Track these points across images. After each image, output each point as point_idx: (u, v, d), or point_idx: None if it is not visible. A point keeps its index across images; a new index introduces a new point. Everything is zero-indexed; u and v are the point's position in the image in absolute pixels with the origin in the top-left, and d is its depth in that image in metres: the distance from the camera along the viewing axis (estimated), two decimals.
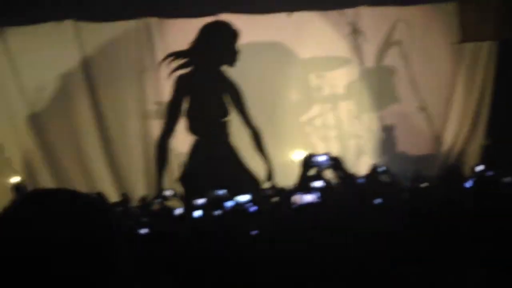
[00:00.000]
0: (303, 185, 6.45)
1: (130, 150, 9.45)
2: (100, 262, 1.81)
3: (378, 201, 5.88)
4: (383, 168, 7.78)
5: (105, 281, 1.81)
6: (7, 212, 1.83)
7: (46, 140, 9.28)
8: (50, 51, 9.22)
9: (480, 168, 8.07)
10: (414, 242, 4.11)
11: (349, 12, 9.78)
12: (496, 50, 9.99)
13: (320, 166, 6.66)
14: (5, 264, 1.77)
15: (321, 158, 6.69)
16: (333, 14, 9.78)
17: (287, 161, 9.24)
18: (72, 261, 1.78)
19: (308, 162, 6.73)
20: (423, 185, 7.30)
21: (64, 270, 1.77)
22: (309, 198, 5.64)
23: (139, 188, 9.26)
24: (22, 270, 1.76)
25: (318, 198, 5.71)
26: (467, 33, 9.90)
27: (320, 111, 9.96)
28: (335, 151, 9.48)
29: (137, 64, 9.50)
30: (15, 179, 9.00)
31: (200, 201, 6.52)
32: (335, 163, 6.83)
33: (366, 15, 9.79)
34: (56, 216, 1.80)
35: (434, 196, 6.80)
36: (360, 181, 7.27)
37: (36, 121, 9.28)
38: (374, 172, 7.75)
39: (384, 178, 7.66)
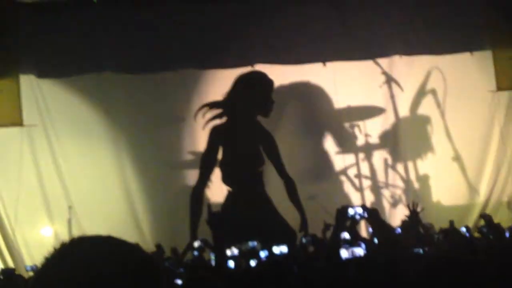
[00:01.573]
0: (338, 237, 6.42)
1: (164, 199, 9.46)
2: None
3: (417, 250, 5.83)
4: (420, 215, 7.71)
5: None
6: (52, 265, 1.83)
7: (79, 187, 9.32)
8: (88, 102, 9.35)
9: None
10: None
11: (383, 61, 9.79)
12: None
13: (355, 218, 6.64)
14: None
15: (356, 210, 6.67)
16: (367, 63, 9.79)
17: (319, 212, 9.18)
18: None
19: (342, 214, 6.71)
20: (459, 235, 7.22)
21: None
22: (359, 251, 5.64)
23: (174, 238, 9.24)
24: None
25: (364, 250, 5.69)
26: (503, 81, 9.85)
27: (354, 161, 9.90)
28: (370, 201, 9.44)
29: (173, 114, 9.57)
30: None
31: (234, 251, 6.50)
32: (370, 214, 6.79)
33: (400, 64, 9.80)
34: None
35: (472, 246, 6.72)
36: (396, 231, 7.21)
37: (70, 168, 9.33)
38: (410, 222, 7.69)
39: (420, 228, 7.59)
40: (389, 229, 7.05)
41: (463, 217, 9.26)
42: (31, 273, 7.49)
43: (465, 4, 9.73)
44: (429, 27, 9.65)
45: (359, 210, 6.53)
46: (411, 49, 9.74)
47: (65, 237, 9.03)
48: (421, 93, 9.93)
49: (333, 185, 9.79)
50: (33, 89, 9.31)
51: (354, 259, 5.65)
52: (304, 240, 7.03)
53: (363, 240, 6.66)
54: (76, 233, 9.15)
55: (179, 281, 5.41)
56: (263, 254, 6.66)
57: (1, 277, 6.89)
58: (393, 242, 6.46)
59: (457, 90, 9.88)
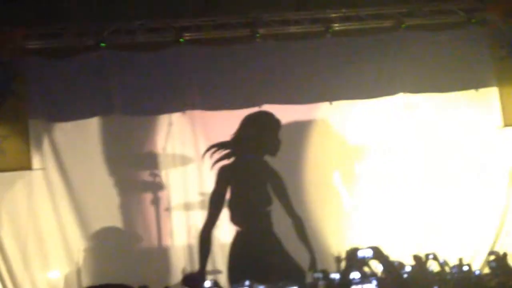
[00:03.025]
0: (348, 278, 6.46)
1: (171, 242, 9.45)
2: None
3: None
4: (431, 255, 7.70)
5: None
6: None
7: (89, 230, 9.34)
8: (96, 144, 9.42)
9: None
10: None
11: (389, 100, 9.80)
12: None
13: (364, 259, 6.69)
14: None
15: (365, 252, 6.74)
16: (373, 102, 9.80)
17: (331, 250, 9.14)
18: None
19: (352, 256, 6.76)
20: (472, 271, 7.19)
21: None
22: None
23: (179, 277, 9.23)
24: None
25: None
26: (510, 117, 9.88)
27: (364, 198, 9.88)
28: (380, 239, 9.38)
29: (181, 156, 9.60)
30: None
31: None
32: (378, 254, 6.83)
33: (406, 102, 9.82)
34: None
35: (484, 283, 6.70)
36: (407, 270, 7.20)
37: (80, 214, 9.35)
38: (421, 260, 7.67)
39: (432, 265, 7.56)
40: (395, 267, 7.06)
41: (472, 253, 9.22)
42: None
43: (471, 41, 9.77)
44: (434, 66, 9.68)
45: (367, 252, 6.57)
46: (417, 87, 9.75)
47: (73, 281, 9.11)
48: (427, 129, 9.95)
49: (344, 221, 9.75)
50: (41, 133, 9.39)
51: None
52: (315, 276, 7.01)
53: (375, 276, 6.67)
54: (86, 276, 9.20)
55: None
56: None
57: None
58: (400, 280, 6.47)
59: (465, 125, 9.90)
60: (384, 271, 6.81)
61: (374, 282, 6.42)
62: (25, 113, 9.32)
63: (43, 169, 9.33)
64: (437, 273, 7.50)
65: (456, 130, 9.89)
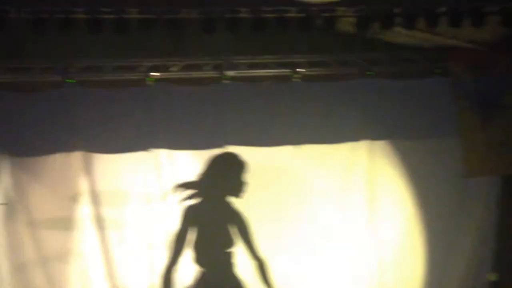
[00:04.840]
0: None
1: (135, 281, 9.38)
2: None
3: None
4: None
5: None
6: None
7: (51, 269, 9.23)
8: (60, 180, 9.36)
9: None
10: None
11: (356, 145, 9.91)
12: (498, 184, 10.10)
13: None
14: None
15: None
16: (339, 147, 9.91)
17: None
18: None
19: None
20: None
21: None
22: None
23: None
24: None
25: None
26: (471, 168, 10.02)
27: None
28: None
29: (144, 194, 9.57)
30: None
31: None
32: None
33: (367, 148, 9.92)
34: None
35: None
36: None
37: (42, 251, 9.25)
38: None
39: None
40: None
41: None
42: None
43: (436, 91, 9.96)
44: (398, 113, 9.85)
45: None
46: (383, 134, 9.89)
47: None
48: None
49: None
50: (5, 167, 9.31)
51: None
52: None
53: None
54: None
55: None
56: None
57: None
58: None
59: (427, 174, 10.03)
60: None
61: None
62: None
63: (6, 204, 9.24)
64: None
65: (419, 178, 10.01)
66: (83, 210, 9.43)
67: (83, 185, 9.47)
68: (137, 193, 9.53)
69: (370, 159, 9.96)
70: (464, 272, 9.97)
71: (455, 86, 10.01)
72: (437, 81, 10.02)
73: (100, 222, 9.44)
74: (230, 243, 8.76)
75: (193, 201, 8.90)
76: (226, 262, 8.72)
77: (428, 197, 10.00)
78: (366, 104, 9.79)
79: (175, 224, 8.93)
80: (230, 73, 9.76)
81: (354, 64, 10.00)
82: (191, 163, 9.35)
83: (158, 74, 9.66)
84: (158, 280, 8.86)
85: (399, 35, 9.72)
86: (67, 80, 9.47)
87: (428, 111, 9.91)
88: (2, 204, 9.24)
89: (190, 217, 8.80)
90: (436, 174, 10.05)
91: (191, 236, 8.80)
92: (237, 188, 8.84)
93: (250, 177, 8.90)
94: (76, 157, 9.47)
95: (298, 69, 9.83)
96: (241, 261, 8.82)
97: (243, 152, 9.20)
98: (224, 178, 8.87)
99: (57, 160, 9.43)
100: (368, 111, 9.80)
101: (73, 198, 9.41)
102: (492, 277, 9.90)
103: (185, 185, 9.00)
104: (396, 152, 9.97)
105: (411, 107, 9.88)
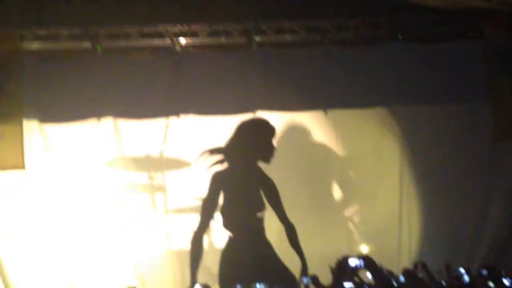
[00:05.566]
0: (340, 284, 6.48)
1: (165, 245, 9.45)
2: None
3: None
4: (420, 264, 7.73)
5: None
6: None
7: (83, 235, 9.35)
8: (91, 147, 9.43)
9: None
10: None
11: (382, 110, 9.85)
12: None
13: (355, 269, 6.72)
14: None
15: (356, 261, 6.77)
16: (367, 111, 9.85)
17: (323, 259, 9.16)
18: None
19: (342, 265, 6.80)
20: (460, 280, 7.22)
21: None
22: None
23: (173, 285, 9.24)
24: None
25: None
26: (502, 131, 9.93)
27: (359, 207, 9.90)
28: (374, 248, 9.42)
29: (175, 160, 9.61)
30: None
31: None
32: (369, 263, 6.87)
33: (398, 112, 9.85)
34: None
35: None
36: (400, 279, 7.22)
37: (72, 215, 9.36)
38: (413, 269, 7.70)
39: (423, 274, 7.59)
40: (386, 277, 7.09)
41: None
42: None
43: (466, 55, 9.84)
44: (428, 78, 9.75)
45: (357, 262, 6.61)
46: (411, 99, 9.80)
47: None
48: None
49: (333, 233, 9.76)
50: (35, 134, 9.39)
51: None
52: (305, 281, 7.03)
53: (366, 285, 6.69)
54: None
55: None
56: None
57: None
58: None
59: (456, 141, 9.93)
60: (375, 281, 6.83)
61: None
62: (19, 114, 9.33)
63: (37, 169, 9.33)
64: (429, 282, 7.52)
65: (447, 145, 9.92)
66: (114, 176, 9.49)
67: (113, 151, 9.53)
68: (166, 158, 9.57)
69: (400, 124, 9.89)
70: (494, 234, 9.91)
71: (487, 49, 9.89)
72: (469, 44, 9.87)
73: (130, 186, 9.49)
74: (259, 208, 8.79)
75: (222, 167, 8.93)
76: (255, 227, 8.75)
77: (459, 162, 9.92)
78: (396, 69, 9.71)
79: (205, 189, 9.00)
80: (258, 38, 9.71)
81: (383, 27, 9.89)
82: (220, 128, 9.35)
83: (185, 40, 9.64)
84: (188, 245, 8.94)
85: None
86: (97, 47, 9.48)
87: (459, 75, 9.80)
88: (33, 169, 9.32)
89: (219, 182, 8.83)
90: (467, 139, 9.95)
91: (221, 201, 8.86)
92: (266, 153, 8.85)
93: (279, 142, 8.92)
94: (106, 124, 9.52)
95: (326, 34, 9.75)
96: (270, 225, 8.87)
97: (271, 117, 9.21)
98: (253, 143, 8.89)
99: (87, 126, 9.49)
100: (398, 76, 9.71)
101: (104, 165, 9.47)
102: None
103: (214, 151, 9.03)
104: (427, 117, 9.87)
105: (442, 72, 9.77)
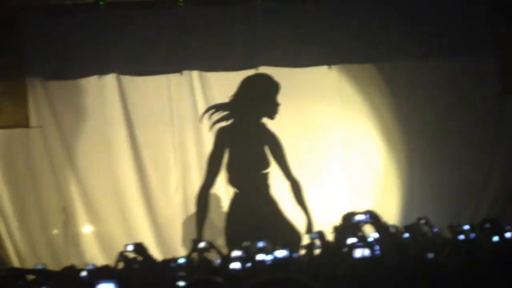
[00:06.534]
0: (343, 242, 6.50)
1: (170, 200, 9.42)
2: None
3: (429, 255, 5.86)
4: (423, 219, 7.74)
5: None
6: None
7: (86, 189, 9.32)
8: (94, 103, 9.40)
9: None
10: None
11: (387, 66, 9.74)
12: None
13: (360, 223, 6.74)
14: None
15: (361, 216, 6.78)
16: (370, 67, 9.75)
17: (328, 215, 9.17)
18: None
19: (347, 220, 6.81)
20: (465, 237, 7.23)
21: None
22: (367, 252, 5.76)
23: (179, 240, 9.26)
24: None
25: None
26: (509, 84, 9.83)
27: (361, 164, 9.81)
28: (376, 204, 9.39)
29: (179, 116, 9.53)
30: None
31: (238, 253, 6.53)
32: (374, 218, 6.88)
33: (405, 68, 9.74)
34: None
35: (478, 248, 6.73)
36: (404, 235, 7.24)
37: (76, 170, 9.35)
38: (416, 225, 7.71)
39: (425, 229, 7.61)
40: (390, 231, 7.10)
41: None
42: None
43: (470, 11, 9.69)
44: (433, 32, 9.61)
45: (363, 216, 6.61)
46: (415, 54, 9.67)
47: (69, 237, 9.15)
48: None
49: (336, 190, 9.70)
50: (39, 91, 9.35)
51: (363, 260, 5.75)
52: (312, 236, 7.07)
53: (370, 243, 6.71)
54: (81, 234, 9.25)
55: (181, 283, 5.42)
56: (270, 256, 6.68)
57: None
58: (396, 245, 6.52)
59: (463, 93, 9.84)
60: (380, 235, 6.85)
61: (376, 247, 6.45)
62: (23, 71, 9.30)
63: (41, 127, 9.31)
64: (432, 237, 7.54)
65: (455, 98, 9.84)
66: (117, 133, 9.45)
67: (116, 107, 9.48)
68: (170, 114, 9.50)
69: (408, 78, 9.77)
70: (498, 189, 9.86)
71: (493, 3, 9.74)
72: None
73: (134, 144, 9.44)
74: (264, 164, 8.81)
75: (226, 123, 8.93)
76: (261, 183, 8.79)
77: (463, 116, 9.84)
78: (400, 22, 9.56)
79: (209, 145, 8.99)
80: None
81: None
82: (224, 84, 9.30)
83: None
84: (193, 200, 8.97)
85: None
86: (100, 3, 9.38)
87: (466, 28, 9.66)
88: (37, 127, 9.30)
89: (224, 138, 8.84)
90: (473, 92, 9.86)
91: (226, 157, 8.86)
92: (270, 109, 8.84)
93: (283, 98, 8.88)
94: (109, 80, 9.47)
95: None
96: (275, 181, 8.88)
97: (275, 73, 9.15)
98: (257, 99, 8.87)
99: (91, 83, 9.44)
100: (403, 30, 9.56)
101: (107, 121, 9.43)
102: None
103: (218, 107, 9.01)
104: (431, 71, 9.76)
105: (448, 25, 9.63)
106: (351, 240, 6.55)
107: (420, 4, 9.65)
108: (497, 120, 9.88)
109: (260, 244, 6.80)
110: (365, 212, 6.77)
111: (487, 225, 7.48)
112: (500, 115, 9.87)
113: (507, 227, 7.36)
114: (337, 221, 7.24)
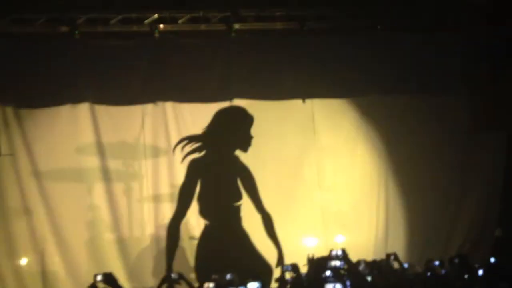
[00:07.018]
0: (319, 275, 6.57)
1: (141, 231, 9.44)
2: None
3: None
4: (392, 255, 7.81)
5: None
6: None
7: (56, 218, 9.28)
8: (66, 132, 9.37)
9: (492, 258, 8.07)
10: None
11: (360, 100, 9.87)
12: (506, 140, 10.08)
13: (332, 260, 6.84)
14: None
15: (334, 252, 6.90)
16: (345, 101, 9.89)
17: (301, 246, 9.21)
18: None
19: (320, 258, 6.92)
20: (435, 271, 7.29)
21: None
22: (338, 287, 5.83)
23: (149, 272, 9.23)
24: None
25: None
26: (478, 123, 9.97)
27: (334, 196, 9.92)
28: (349, 238, 9.47)
29: (151, 146, 9.57)
30: None
31: (210, 285, 6.51)
32: (344, 255, 6.99)
33: (375, 102, 9.88)
34: None
35: (447, 283, 6.81)
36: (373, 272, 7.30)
37: (48, 201, 9.29)
38: (384, 261, 7.77)
39: (395, 265, 7.65)
40: (358, 268, 7.19)
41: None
42: None
43: (443, 45, 9.86)
44: (406, 69, 9.76)
45: (337, 263, 6.71)
46: (389, 89, 9.81)
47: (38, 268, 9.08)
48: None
49: (309, 222, 9.77)
50: (11, 119, 9.32)
51: None
52: (284, 268, 7.08)
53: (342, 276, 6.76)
54: (52, 265, 9.17)
55: None
56: None
57: None
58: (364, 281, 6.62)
59: (432, 130, 9.98)
60: (348, 272, 6.90)
61: (347, 282, 6.51)
62: None
63: (11, 154, 9.27)
64: (401, 273, 7.59)
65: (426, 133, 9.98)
66: (89, 162, 9.44)
67: (89, 137, 9.47)
68: (143, 145, 9.52)
69: (380, 114, 9.92)
70: (470, 225, 10.00)
71: (466, 41, 9.90)
72: (449, 35, 9.88)
73: (106, 174, 9.44)
74: (236, 197, 8.81)
75: (199, 155, 8.93)
76: (232, 215, 8.78)
77: (433, 152, 9.98)
78: (375, 58, 9.70)
79: (182, 177, 8.98)
80: (237, 26, 9.67)
81: (363, 17, 9.87)
82: (198, 116, 9.33)
83: (165, 26, 9.58)
84: (164, 232, 8.94)
85: None
86: (74, 32, 9.39)
87: (437, 66, 9.82)
88: (7, 155, 9.25)
89: (197, 170, 8.83)
90: (444, 129, 10.01)
91: (198, 189, 8.85)
92: (243, 141, 8.87)
93: (256, 131, 8.91)
94: (82, 109, 9.46)
95: (305, 22, 9.72)
96: (246, 214, 8.88)
97: (249, 106, 9.19)
98: (231, 131, 8.89)
99: (63, 112, 9.42)
100: (377, 66, 9.70)
101: (79, 150, 9.42)
102: (498, 232, 9.91)
103: (191, 139, 9.02)
104: (405, 107, 9.91)
105: (420, 63, 9.78)
106: (324, 274, 6.60)
107: (394, 40, 9.81)
108: (466, 158, 10.03)
109: (228, 276, 6.82)
110: (336, 250, 6.86)
111: (456, 260, 7.57)
112: (469, 153, 10.04)
113: (476, 265, 7.45)
114: (311, 253, 7.34)
